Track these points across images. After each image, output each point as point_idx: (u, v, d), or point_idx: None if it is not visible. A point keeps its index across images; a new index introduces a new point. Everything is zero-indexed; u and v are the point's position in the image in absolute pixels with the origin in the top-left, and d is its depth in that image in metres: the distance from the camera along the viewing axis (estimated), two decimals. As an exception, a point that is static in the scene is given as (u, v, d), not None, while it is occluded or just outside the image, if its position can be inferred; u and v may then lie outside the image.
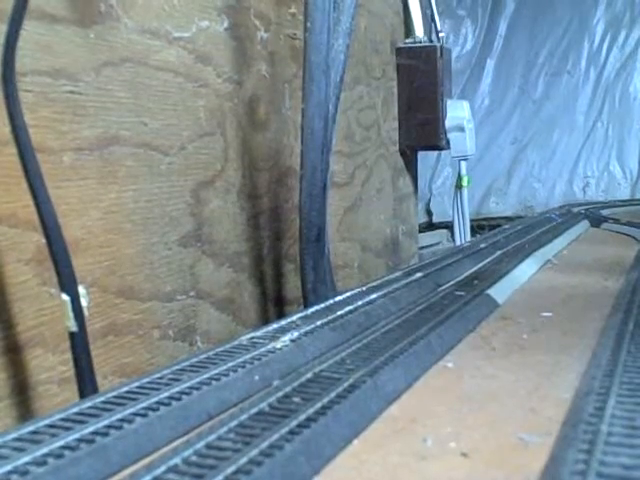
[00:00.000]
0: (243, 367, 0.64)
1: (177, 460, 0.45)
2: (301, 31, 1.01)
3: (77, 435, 0.49)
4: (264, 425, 0.51)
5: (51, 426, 0.51)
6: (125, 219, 0.84)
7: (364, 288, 0.98)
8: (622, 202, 2.53)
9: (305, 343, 0.72)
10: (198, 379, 0.60)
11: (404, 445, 0.52)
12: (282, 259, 1.19)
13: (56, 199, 0.66)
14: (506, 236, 1.53)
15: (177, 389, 0.58)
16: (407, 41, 1.76)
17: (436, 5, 1.78)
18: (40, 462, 0.45)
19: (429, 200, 2.96)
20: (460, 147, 1.78)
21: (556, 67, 3.12)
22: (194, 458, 0.46)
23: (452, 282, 1.04)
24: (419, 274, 1.07)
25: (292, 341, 0.72)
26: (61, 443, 0.48)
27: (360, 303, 0.88)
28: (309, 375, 0.62)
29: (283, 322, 0.80)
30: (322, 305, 0.89)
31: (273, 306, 1.17)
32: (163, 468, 0.44)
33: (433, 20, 1.77)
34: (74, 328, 0.67)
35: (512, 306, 0.97)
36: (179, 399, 0.56)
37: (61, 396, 0.74)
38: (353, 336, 0.76)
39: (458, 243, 1.88)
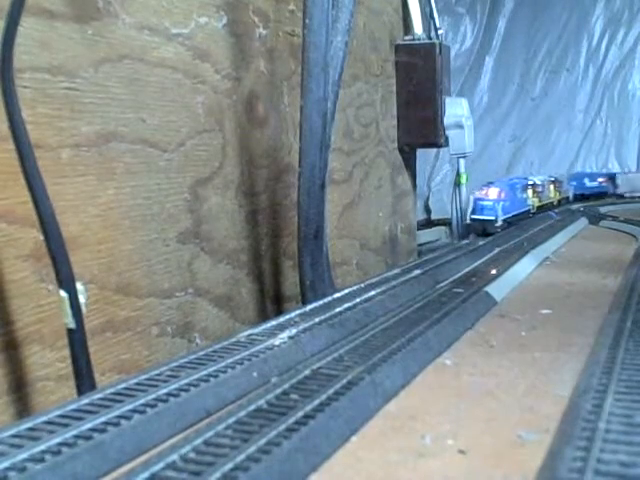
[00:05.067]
0: (241, 364, 0.64)
1: (175, 457, 0.45)
2: (300, 28, 1.01)
3: (75, 432, 0.49)
4: (262, 422, 0.51)
5: (49, 423, 0.51)
6: (123, 216, 0.84)
7: (362, 285, 0.98)
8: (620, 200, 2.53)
9: (303, 340, 0.73)
10: (196, 376, 0.60)
11: (402, 442, 0.52)
12: (280, 256, 1.19)
13: (54, 195, 0.66)
14: (504, 233, 1.53)
15: (175, 386, 0.58)
16: (406, 38, 1.76)
17: (435, 2, 1.78)
18: (38, 459, 0.45)
19: (428, 197, 2.96)
20: (459, 144, 1.78)
21: (555, 65, 3.12)
22: (192, 455, 0.46)
23: (450, 279, 1.04)
24: (417, 271, 1.07)
25: (290, 338, 0.72)
26: (59, 440, 0.48)
27: (358, 300, 0.88)
28: (307, 372, 0.62)
29: (281, 319, 0.80)
30: (320, 302, 0.89)
31: (271, 303, 1.17)
32: (161, 465, 0.44)
33: (432, 17, 1.77)
34: (72, 325, 0.67)
35: (510, 303, 0.97)
36: (177, 396, 0.56)
37: (59, 393, 0.74)
38: (351, 333, 0.76)
39: (457, 240, 1.88)
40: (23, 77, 0.70)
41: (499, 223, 1.53)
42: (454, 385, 0.64)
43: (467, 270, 1.12)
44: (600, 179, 2.51)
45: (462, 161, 1.85)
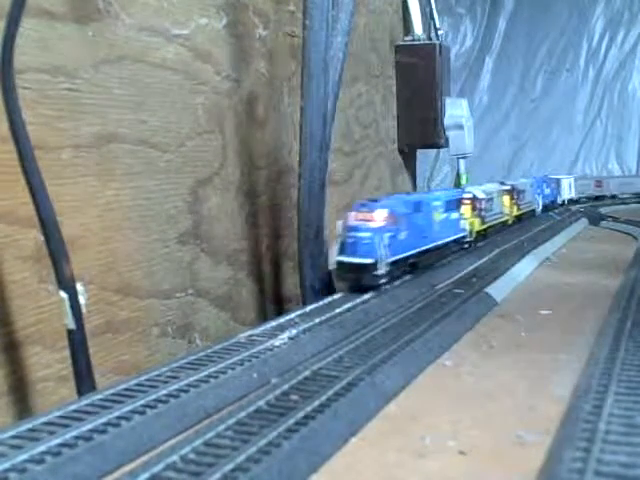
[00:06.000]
0: (241, 365, 0.64)
1: (175, 458, 0.45)
2: (300, 29, 1.01)
3: (75, 433, 0.49)
4: (262, 423, 0.51)
5: (49, 424, 0.51)
6: (123, 216, 0.84)
7: (363, 286, 0.98)
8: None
9: (303, 341, 0.73)
10: (196, 377, 0.60)
11: (402, 443, 0.52)
12: (281, 257, 1.19)
13: (54, 196, 0.66)
14: (504, 234, 1.53)
15: (175, 387, 0.58)
16: (406, 39, 1.76)
17: (435, 3, 1.78)
18: (38, 460, 0.45)
19: (428, 198, 2.96)
20: (459, 145, 1.78)
21: (555, 65, 3.13)
22: (192, 456, 0.46)
23: (451, 280, 1.04)
24: (418, 272, 1.07)
25: (290, 339, 0.72)
26: (59, 441, 0.47)
27: (358, 301, 0.88)
28: (307, 373, 0.62)
29: (281, 320, 0.80)
30: (320, 303, 0.89)
31: (271, 304, 1.17)
32: (161, 466, 0.44)
33: (432, 18, 1.77)
34: (72, 325, 0.67)
35: (510, 304, 0.97)
36: (177, 397, 0.56)
37: (59, 394, 0.74)
38: (351, 334, 0.76)
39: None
40: (23, 78, 0.70)
41: (382, 270, 0.91)
42: (454, 386, 0.64)
43: (467, 271, 1.12)
44: (552, 185, 2.08)
45: (462, 162, 1.85)
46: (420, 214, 1.03)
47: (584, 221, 1.93)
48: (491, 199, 1.39)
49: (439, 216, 1.10)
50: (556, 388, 0.62)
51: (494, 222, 1.43)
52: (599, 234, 1.78)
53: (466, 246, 1.25)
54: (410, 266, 1.03)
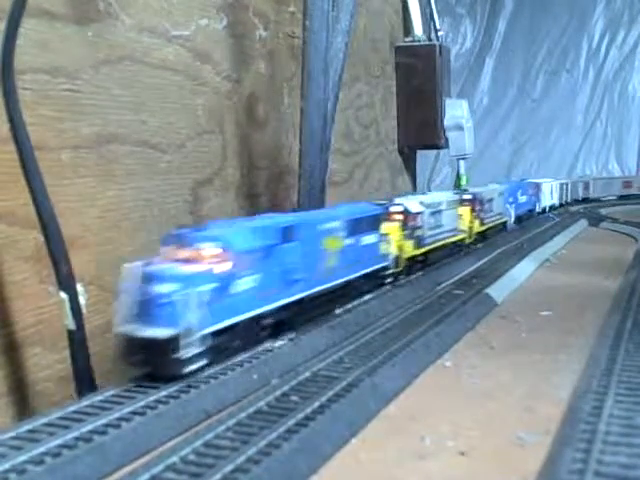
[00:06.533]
0: (241, 366, 0.64)
1: (175, 459, 0.45)
2: (300, 30, 1.01)
3: (75, 434, 0.49)
4: (262, 424, 0.51)
5: (49, 424, 0.51)
6: (123, 217, 0.84)
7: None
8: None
9: (303, 342, 0.73)
10: (196, 377, 0.60)
11: (402, 444, 0.52)
12: (281, 257, 1.19)
13: (54, 197, 0.66)
14: (504, 234, 1.53)
15: (175, 388, 0.58)
16: (406, 40, 1.76)
17: (435, 4, 1.78)
18: (38, 461, 0.45)
19: (428, 199, 2.96)
20: (459, 146, 1.78)
21: (555, 66, 3.13)
22: (192, 457, 0.46)
23: (451, 281, 1.04)
24: (418, 273, 1.07)
25: (290, 340, 0.72)
26: (59, 442, 0.47)
27: (359, 302, 0.88)
28: (307, 374, 0.62)
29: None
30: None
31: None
32: (161, 467, 0.44)
33: (432, 19, 1.77)
34: (72, 326, 0.67)
35: (511, 305, 0.97)
36: (177, 398, 0.56)
37: (59, 394, 0.74)
38: (351, 335, 0.76)
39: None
40: (24, 79, 0.70)
41: (192, 349, 0.58)
42: (454, 387, 0.64)
43: (467, 271, 1.12)
44: (530, 191, 1.84)
45: (462, 163, 1.86)
46: (292, 244, 0.70)
47: (584, 222, 1.93)
48: (437, 212, 1.08)
49: (336, 244, 0.78)
50: (556, 389, 0.62)
51: (440, 243, 1.10)
52: (599, 235, 1.78)
53: (389, 280, 0.95)
54: (273, 327, 0.70)
